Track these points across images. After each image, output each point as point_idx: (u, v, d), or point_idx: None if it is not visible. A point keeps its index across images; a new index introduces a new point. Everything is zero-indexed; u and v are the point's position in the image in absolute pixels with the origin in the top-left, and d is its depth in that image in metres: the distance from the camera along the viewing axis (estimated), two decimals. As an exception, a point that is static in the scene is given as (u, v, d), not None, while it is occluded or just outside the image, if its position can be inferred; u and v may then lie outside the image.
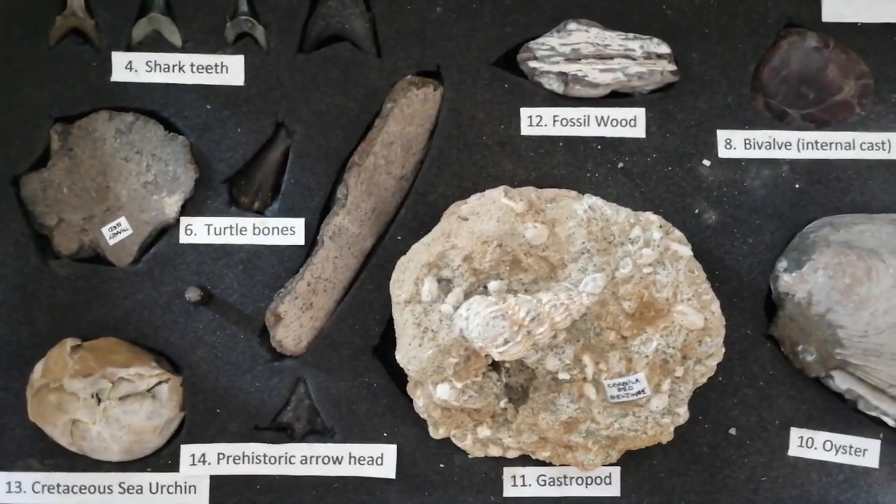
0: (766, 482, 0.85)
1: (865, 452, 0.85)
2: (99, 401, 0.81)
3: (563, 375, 0.78)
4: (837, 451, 0.85)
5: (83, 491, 0.84)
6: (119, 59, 0.86)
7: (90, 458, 0.83)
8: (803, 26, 0.88)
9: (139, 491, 0.84)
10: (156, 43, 0.86)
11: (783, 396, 0.85)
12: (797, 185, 0.86)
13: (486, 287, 0.78)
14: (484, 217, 0.78)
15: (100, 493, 0.84)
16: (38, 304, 0.84)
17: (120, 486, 0.84)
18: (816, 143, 0.87)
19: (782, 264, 0.84)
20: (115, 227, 0.85)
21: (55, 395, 0.81)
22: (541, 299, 0.74)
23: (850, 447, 0.85)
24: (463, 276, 0.78)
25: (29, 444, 0.84)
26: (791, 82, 0.87)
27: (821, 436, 0.85)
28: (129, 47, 0.86)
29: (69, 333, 0.84)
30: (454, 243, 0.78)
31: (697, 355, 0.79)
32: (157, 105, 0.86)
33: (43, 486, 0.84)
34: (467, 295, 0.78)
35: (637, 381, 0.78)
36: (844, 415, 0.85)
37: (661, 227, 0.80)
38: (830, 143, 0.87)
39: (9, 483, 0.84)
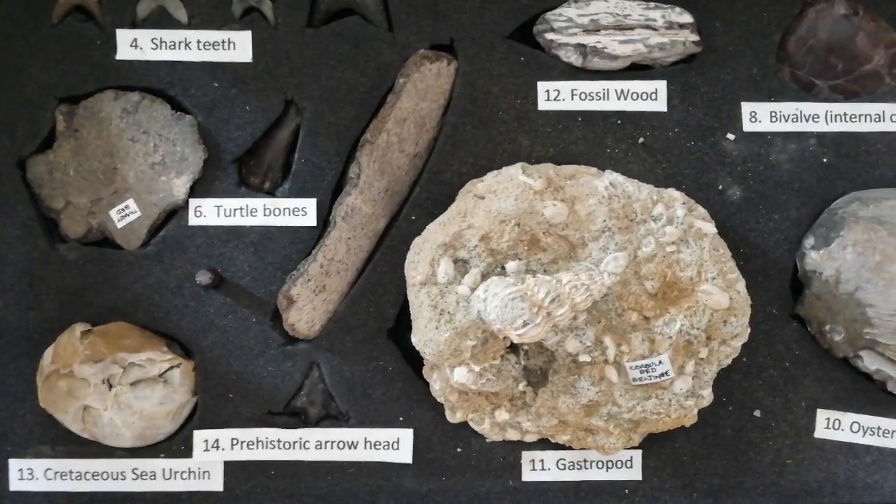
0: (791, 465, 0.83)
1: (894, 434, 0.82)
2: (110, 386, 0.80)
3: (583, 358, 0.76)
4: (865, 433, 0.83)
5: (96, 477, 0.83)
6: (124, 36, 0.84)
7: (102, 444, 0.82)
8: (831, -7, 0.85)
9: (152, 477, 0.83)
10: (161, 19, 0.84)
11: (809, 377, 0.83)
12: (825, 159, 0.84)
13: (503, 268, 0.76)
14: (501, 195, 0.76)
15: (113, 479, 0.83)
16: (47, 288, 0.83)
17: (133, 472, 0.83)
18: (845, 115, 0.84)
19: (809, 241, 0.82)
20: (123, 209, 0.83)
21: (65, 381, 0.80)
22: (561, 280, 0.72)
23: (879, 429, 0.82)
24: (480, 257, 0.76)
25: (40, 430, 0.83)
26: (818, 52, 0.84)
27: (848, 417, 0.83)
28: (134, 24, 0.84)
29: (78, 318, 0.83)
30: (470, 223, 0.76)
31: (722, 336, 0.77)
32: (163, 83, 0.84)
33: (55, 473, 0.83)
34: (484, 276, 0.75)
35: (660, 363, 0.75)
36: (873, 396, 0.83)
37: (684, 203, 0.77)
38: (859, 116, 0.84)
39: (20, 470, 0.83)
